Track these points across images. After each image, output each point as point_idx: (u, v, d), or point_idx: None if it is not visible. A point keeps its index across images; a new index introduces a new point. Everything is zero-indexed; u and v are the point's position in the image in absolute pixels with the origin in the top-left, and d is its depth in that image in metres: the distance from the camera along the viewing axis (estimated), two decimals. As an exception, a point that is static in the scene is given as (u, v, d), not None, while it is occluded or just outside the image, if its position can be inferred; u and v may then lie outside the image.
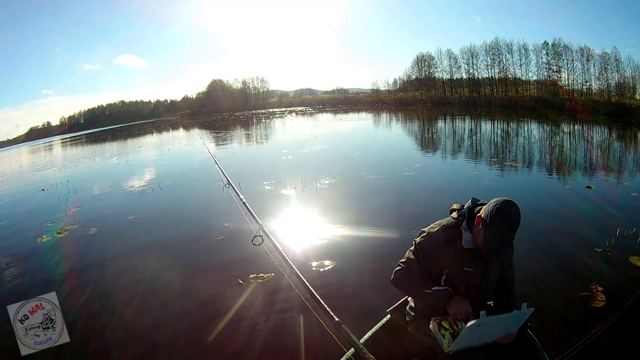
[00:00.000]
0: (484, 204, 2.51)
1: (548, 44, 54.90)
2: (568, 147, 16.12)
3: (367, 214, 7.58)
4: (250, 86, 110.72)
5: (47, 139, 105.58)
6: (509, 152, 14.88)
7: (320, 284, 4.87)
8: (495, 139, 19.73)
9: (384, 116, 43.12)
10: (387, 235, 6.38)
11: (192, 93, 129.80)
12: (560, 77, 53.63)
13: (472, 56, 64.11)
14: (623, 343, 3.45)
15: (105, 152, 29.60)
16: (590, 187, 8.72)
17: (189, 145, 25.42)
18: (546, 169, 11.70)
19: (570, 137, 20.58)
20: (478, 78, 63.70)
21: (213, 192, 9.37)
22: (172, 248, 6.78)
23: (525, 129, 24.84)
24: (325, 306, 2.60)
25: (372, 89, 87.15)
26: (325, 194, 9.27)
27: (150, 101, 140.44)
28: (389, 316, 3.13)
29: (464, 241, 2.52)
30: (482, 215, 2.39)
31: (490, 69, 62.00)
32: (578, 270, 4.95)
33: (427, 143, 18.90)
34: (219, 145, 23.29)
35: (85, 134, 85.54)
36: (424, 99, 66.52)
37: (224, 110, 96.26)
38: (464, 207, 2.62)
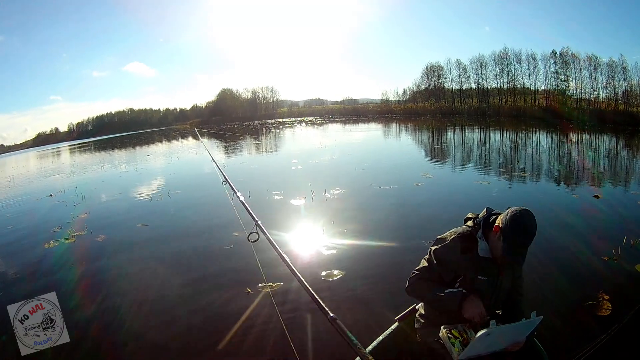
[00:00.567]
0: (498, 214, 2.53)
1: (556, 52, 54.78)
2: (576, 157, 16.07)
3: (377, 224, 7.57)
4: (260, 96, 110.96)
5: (55, 145, 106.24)
6: (518, 162, 14.84)
7: (328, 293, 4.91)
8: (504, 149, 19.66)
9: (394, 127, 43.09)
10: (396, 245, 6.38)
11: (202, 102, 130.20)
12: (569, 86, 53.44)
13: (481, 66, 64.13)
14: (628, 351, 3.46)
15: (113, 160, 29.79)
16: (598, 196, 8.71)
17: (198, 154, 25.43)
18: (554, 179, 11.69)
19: (577, 146, 20.48)
20: (487, 88, 63.59)
21: (222, 201, 9.33)
22: (181, 256, 6.79)
23: (534, 139, 24.76)
24: (320, 301, 2.61)
25: (381, 100, 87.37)
26: (335, 204, 9.26)
27: (159, 109, 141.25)
28: (396, 324, 3.12)
29: (480, 250, 2.53)
30: (500, 225, 2.40)
31: (499, 79, 62.00)
32: (585, 279, 4.96)
33: (437, 153, 18.90)
34: (229, 154, 23.41)
35: (93, 141, 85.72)
36: (434, 110, 66.39)
37: (233, 120, 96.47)
38: (479, 216, 2.65)
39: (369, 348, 2.84)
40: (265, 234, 3.56)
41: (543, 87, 57.13)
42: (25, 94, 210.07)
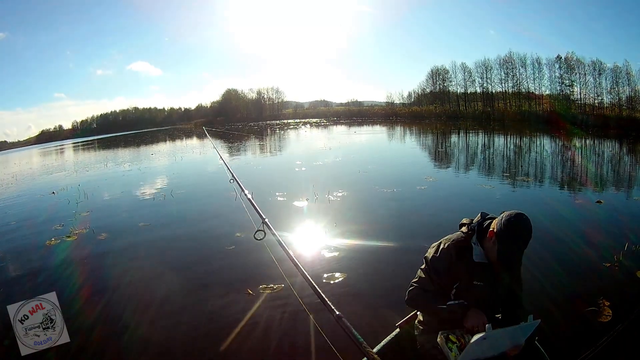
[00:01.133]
0: (493, 218, 2.54)
1: (561, 57, 54.75)
2: (579, 162, 16.02)
3: (379, 227, 7.56)
4: (265, 96, 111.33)
5: (59, 142, 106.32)
6: (521, 166, 14.82)
7: (331, 294, 4.89)
8: (508, 154, 19.68)
9: (398, 129, 43.12)
10: (398, 248, 6.39)
11: (207, 102, 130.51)
12: (573, 91, 53.41)
13: (486, 70, 64.20)
14: (629, 355, 3.47)
15: (117, 158, 29.83)
16: (601, 202, 8.70)
17: (203, 153, 25.47)
18: (557, 184, 11.71)
19: (581, 151, 20.43)
20: (492, 92, 63.55)
21: (226, 201, 9.35)
22: (183, 256, 6.80)
23: (537, 144, 24.74)
24: (327, 299, 2.60)
25: (386, 102, 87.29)
26: (338, 206, 9.26)
27: (164, 108, 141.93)
28: (398, 330, 3.12)
29: (475, 255, 2.53)
30: (495, 229, 2.41)
31: (504, 83, 61.94)
32: (586, 284, 4.96)
33: (441, 157, 18.91)
34: (233, 155, 23.46)
35: (97, 139, 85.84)
36: (438, 113, 66.50)
37: (238, 120, 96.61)
38: (474, 222, 2.65)
39: (374, 351, 2.84)
40: (272, 231, 3.58)
41: (548, 92, 57.18)
42: (29, 91, 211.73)
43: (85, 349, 4.17)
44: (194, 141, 42.43)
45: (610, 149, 21.92)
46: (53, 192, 14.39)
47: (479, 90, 66.05)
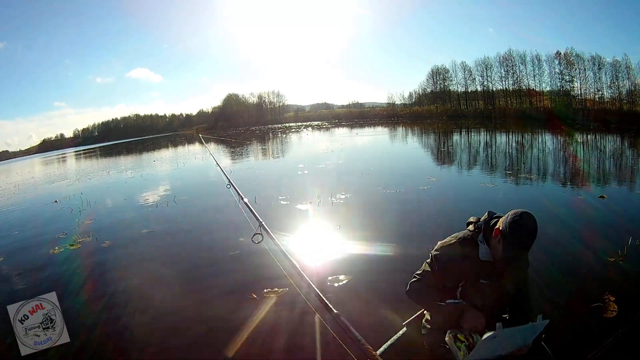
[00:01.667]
0: (500, 217, 2.54)
1: (560, 53, 54.72)
2: (581, 158, 16.00)
3: (383, 228, 7.55)
4: (266, 100, 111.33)
5: (60, 151, 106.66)
6: (524, 164, 14.82)
7: (334, 297, 4.84)
8: (510, 151, 19.66)
9: (400, 130, 43.07)
10: (402, 249, 6.34)
11: (208, 107, 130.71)
12: (573, 86, 53.37)
13: (486, 68, 64.08)
14: (636, 353, 3.44)
15: (119, 166, 29.83)
16: (604, 197, 8.68)
17: (205, 159, 25.47)
18: (560, 180, 11.68)
19: (583, 147, 20.43)
20: (492, 90, 63.49)
21: (228, 206, 9.25)
22: (187, 262, 6.79)
23: (539, 140, 24.74)
24: (324, 298, 2.60)
25: (387, 103, 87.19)
26: (341, 208, 9.25)
27: (165, 115, 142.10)
28: (405, 329, 3.14)
29: (481, 254, 2.54)
30: (500, 227, 2.41)
31: (504, 81, 61.87)
32: (591, 281, 4.93)
33: (443, 156, 18.87)
34: (235, 159, 23.49)
35: (99, 147, 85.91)
36: (440, 112, 66.43)
37: (239, 125, 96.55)
38: (480, 220, 2.66)
39: (379, 352, 2.83)
40: (269, 233, 3.58)
41: (548, 88, 57.13)
42: (29, 101, 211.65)
43: (85, 349, 4.19)
44: (196, 147, 42.37)
45: (611, 144, 21.89)
46: (55, 201, 14.37)
47: (479, 88, 65.96)
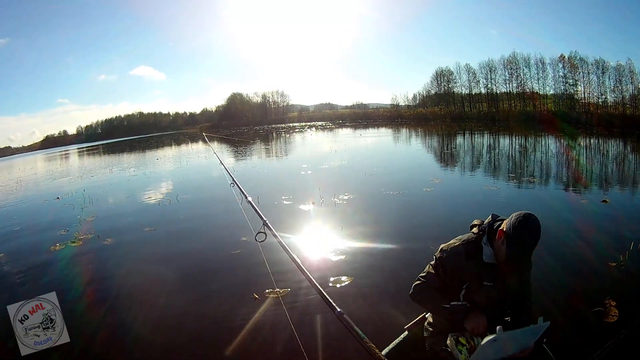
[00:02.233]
0: (504, 220, 2.51)
1: (565, 56, 54.62)
2: (584, 161, 15.98)
3: (386, 229, 7.56)
4: (270, 100, 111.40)
5: (63, 148, 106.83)
6: (526, 167, 14.83)
7: (337, 298, 4.86)
8: (513, 154, 19.64)
9: (404, 132, 43.03)
10: (405, 251, 6.38)
11: (212, 106, 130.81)
12: (577, 90, 53.27)
13: (490, 71, 64.07)
14: (637, 357, 3.46)
15: (122, 163, 29.97)
16: (606, 201, 8.69)
17: (208, 158, 25.47)
18: (563, 184, 11.69)
19: (586, 151, 20.44)
20: (496, 93, 63.41)
21: (231, 205, 9.20)
22: (189, 260, 6.82)
23: (543, 144, 24.69)
24: (328, 296, 2.60)
25: (391, 104, 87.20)
26: (344, 209, 9.27)
27: (169, 113, 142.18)
28: (406, 332, 3.14)
29: (485, 256, 2.54)
30: (504, 229, 2.40)
31: (508, 84, 61.78)
32: (592, 285, 4.93)
33: (446, 158, 18.87)
34: (239, 159, 23.52)
35: (102, 144, 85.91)
36: (443, 114, 66.32)
37: (243, 124, 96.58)
38: (484, 223, 2.65)
39: (383, 353, 2.83)
40: (273, 232, 3.58)
41: (552, 92, 57.04)
42: (32, 97, 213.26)
43: (85, 349, 4.21)
44: (200, 146, 42.41)
45: (614, 148, 21.85)
46: (58, 198, 14.48)
47: (483, 91, 65.93)
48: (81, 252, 7.70)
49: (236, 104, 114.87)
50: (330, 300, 2.55)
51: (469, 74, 67.89)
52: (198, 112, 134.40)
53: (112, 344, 4.39)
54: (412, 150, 24.25)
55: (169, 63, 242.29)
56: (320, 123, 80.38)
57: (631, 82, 46.91)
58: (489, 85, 64.52)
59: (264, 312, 4.79)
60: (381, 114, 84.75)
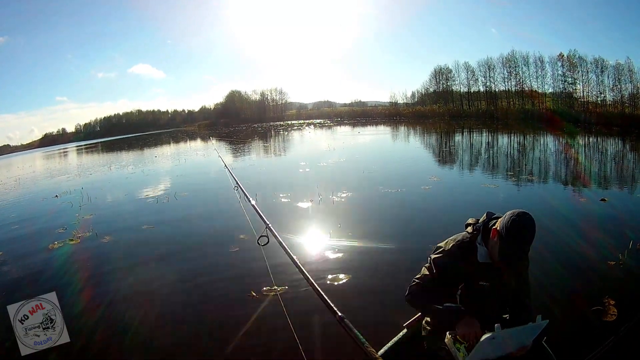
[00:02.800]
0: (499, 218, 2.49)
1: (563, 55, 54.68)
2: (583, 160, 16.00)
3: (384, 227, 7.56)
4: (269, 98, 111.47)
5: (62, 146, 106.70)
6: (525, 165, 14.86)
7: (335, 296, 4.86)
8: (512, 152, 19.67)
9: (402, 129, 43.08)
10: (403, 249, 6.35)
11: (210, 104, 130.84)
12: (576, 89, 53.34)
13: (489, 69, 64.23)
14: (635, 356, 3.46)
15: (120, 161, 29.89)
16: (605, 200, 8.69)
17: (206, 156, 25.45)
18: (561, 182, 11.72)
19: (584, 149, 20.48)
20: (495, 91, 63.48)
21: (229, 203, 9.21)
22: (186, 259, 6.77)
23: (541, 142, 24.74)
24: (329, 301, 2.58)
25: (390, 102, 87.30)
26: (342, 207, 9.25)
27: (167, 111, 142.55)
28: (405, 330, 3.12)
29: (480, 255, 2.51)
30: (498, 228, 2.38)
31: (507, 82, 61.88)
32: (590, 283, 4.94)
33: (445, 156, 18.91)
34: (237, 156, 23.51)
35: (101, 142, 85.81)
36: (442, 112, 66.43)
37: (241, 122, 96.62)
38: (479, 221, 2.63)
39: (380, 353, 2.81)
40: (276, 236, 3.56)
41: (551, 90, 57.12)
42: (31, 95, 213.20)
43: (85, 349, 4.18)
44: (198, 143, 42.41)
45: (613, 147, 21.91)
46: (56, 196, 14.39)
47: (482, 89, 66.08)
48: (79, 250, 7.65)
49: (235, 101, 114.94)
50: (332, 305, 2.53)
51: (467, 72, 68.14)
52: (197, 109, 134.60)
53: (111, 343, 4.36)
54: (410, 149, 24.29)
55: (168, 61, 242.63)
56: (318, 121, 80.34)
57: (630, 81, 47.15)
58: (488, 84, 64.71)
59: (263, 310, 4.76)
60: (380, 111, 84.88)
